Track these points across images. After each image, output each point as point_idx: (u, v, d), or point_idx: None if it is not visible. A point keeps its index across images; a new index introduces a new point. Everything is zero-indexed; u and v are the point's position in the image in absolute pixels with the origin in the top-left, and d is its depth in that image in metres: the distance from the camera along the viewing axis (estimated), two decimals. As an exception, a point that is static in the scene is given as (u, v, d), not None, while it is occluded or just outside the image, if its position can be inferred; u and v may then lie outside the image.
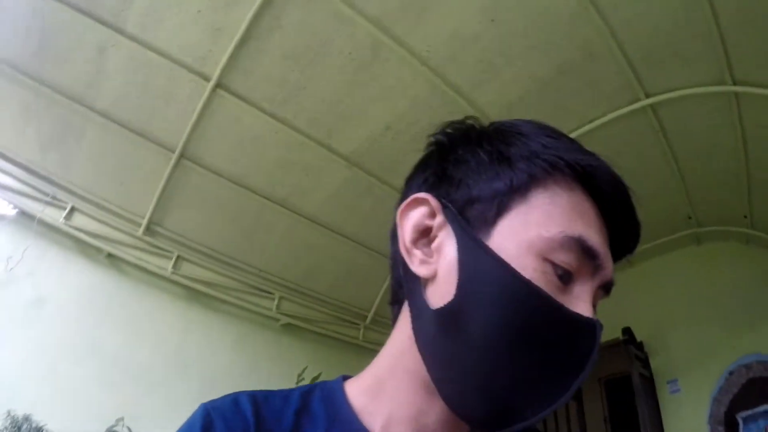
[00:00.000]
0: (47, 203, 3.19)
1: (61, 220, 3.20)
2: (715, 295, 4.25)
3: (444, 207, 0.53)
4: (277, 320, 3.95)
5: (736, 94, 2.92)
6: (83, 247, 3.29)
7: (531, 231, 0.50)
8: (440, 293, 0.52)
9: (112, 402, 3.03)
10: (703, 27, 2.64)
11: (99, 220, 3.36)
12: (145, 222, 3.48)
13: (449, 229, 0.53)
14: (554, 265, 0.50)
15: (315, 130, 3.43)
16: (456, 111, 3.16)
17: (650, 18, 2.73)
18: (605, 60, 2.96)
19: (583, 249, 0.50)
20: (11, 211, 3.17)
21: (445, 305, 0.51)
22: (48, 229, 3.20)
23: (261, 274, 3.97)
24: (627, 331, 4.27)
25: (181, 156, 3.37)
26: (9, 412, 2.68)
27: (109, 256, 3.36)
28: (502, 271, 0.49)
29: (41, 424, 2.67)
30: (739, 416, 3.83)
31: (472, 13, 2.80)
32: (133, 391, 3.15)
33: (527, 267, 0.49)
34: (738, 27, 2.62)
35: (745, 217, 3.94)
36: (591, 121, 3.34)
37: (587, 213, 0.53)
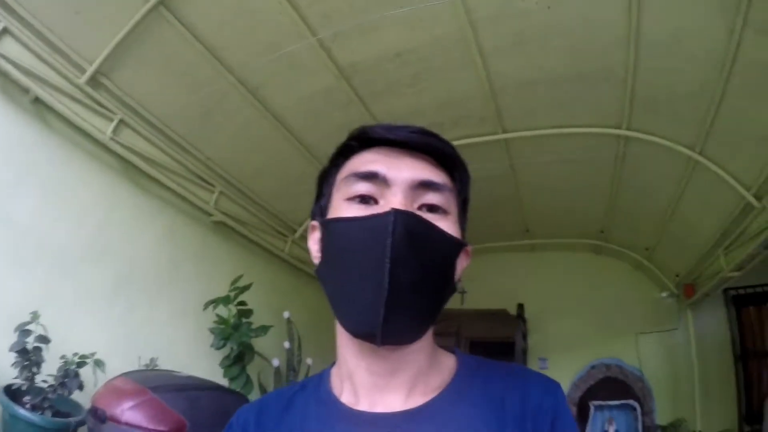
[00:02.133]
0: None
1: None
2: (599, 300, 5.06)
3: (318, 220, 0.72)
4: (211, 215, 3.53)
5: (697, 162, 3.42)
6: (6, 82, 2.45)
7: (339, 191, 0.69)
8: (320, 261, 0.70)
9: (18, 287, 2.47)
10: (705, 105, 3.03)
11: (34, 53, 2.53)
12: (91, 69, 2.73)
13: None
14: (353, 198, 0.66)
15: (323, 26, 2.97)
16: (466, 67, 3.15)
17: (672, 75, 3.02)
18: (616, 86, 3.20)
19: (361, 176, 0.66)
20: None
21: (318, 264, 0.70)
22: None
23: (206, 162, 3.47)
24: (520, 306, 4.87)
25: (161, 2, 2.65)
26: None
27: (37, 101, 2.57)
28: (328, 222, 0.68)
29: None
30: (592, 404, 4.81)
31: None
32: (42, 275, 2.60)
33: (341, 210, 0.66)
34: (730, 121, 3.05)
35: (647, 249, 4.77)
36: (574, 126, 3.59)
37: (368, 158, 0.68)
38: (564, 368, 4.93)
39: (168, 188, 3.25)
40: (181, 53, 2.91)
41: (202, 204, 3.45)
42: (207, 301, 3.27)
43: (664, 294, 4.75)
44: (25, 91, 2.53)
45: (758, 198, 3.25)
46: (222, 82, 3.12)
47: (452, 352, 0.76)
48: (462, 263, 0.70)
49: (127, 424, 1.94)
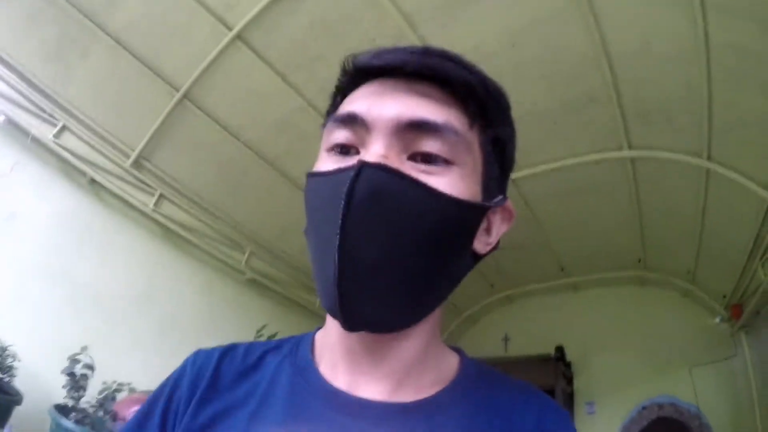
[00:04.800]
0: (39, 117, 3.20)
1: (51, 136, 3.23)
2: (646, 335, 4.88)
3: None
4: (244, 274, 4.15)
5: (708, 170, 3.36)
6: (67, 168, 3.34)
7: (323, 140, 0.60)
8: None
9: (76, 329, 3.16)
10: (697, 105, 3.02)
11: (88, 144, 3.41)
12: (134, 154, 3.56)
13: None
14: (332, 148, 0.57)
15: (320, 100, 3.57)
16: None
17: (656, 83, 3.10)
18: (603, 106, 3.31)
19: (340, 120, 0.56)
20: (-1, 118, 3.17)
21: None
22: (35, 143, 3.22)
23: (237, 227, 4.15)
24: (559, 349, 4.76)
25: (185, 96, 3.45)
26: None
27: (93, 182, 3.43)
28: (307, 178, 0.59)
29: (4, 345, 2.75)
30: None
31: (496, 33, 3.04)
32: (97, 321, 3.31)
33: (319, 163, 0.59)
34: (727, 116, 3.02)
35: (689, 272, 4.57)
36: (576, 156, 3.72)
37: (354, 97, 0.59)
38: (612, 411, 4.70)
39: (204, 250, 3.94)
40: (206, 136, 3.67)
41: (234, 263, 4.11)
42: (237, 348, 3.74)
43: (716, 319, 4.45)
44: (83, 173, 3.38)
45: None
46: (243, 157, 3.82)
47: (457, 352, 0.67)
48: (497, 228, 0.61)
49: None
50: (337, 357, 0.60)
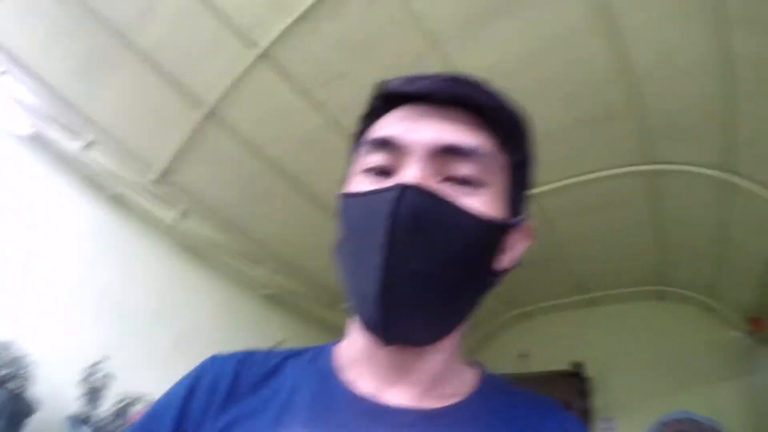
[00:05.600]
0: (68, 130, 3.27)
1: (78, 150, 3.30)
2: (666, 350, 4.89)
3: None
4: (264, 289, 4.21)
5: (730, 183, 3.40)
6: (94, 181, 3.44)
7: (357, 161, 0.65)
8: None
9: (95, 339, 3.22)
10: (720, 118, 3.07)
11: (115, 158, 3.48)
12: (160, 169, 3.63)
13: None
14: (369, 170, 0.61)
15: (345, 117, 3.64)
16: None
17: (677, 97, 3.14)
18: (623, 122, 3.37)
19: (376, 144, 0.60)
20: (27, 130, 3.23)
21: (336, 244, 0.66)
22: (61, 156, 3.28)
23: (258, 243, 4.19)
24: (577, 365, 4.74)
25: (210, 113, 3.51)
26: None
27: (118, 195, 3.51)
28: (341, 198, 0.64)
29: (24, 353, 2.75)
30: None
31: (516, 51, 3.11)
32: (117, 332, 3.37)
33: (354, 183, 0.62)
34: (750, 128, 3.06)
35: (708, 287, 4.62)
36: (593, 172, 3.78)
37: (387, 121, 0.63)
38: (632, 427, 4.60)
39: (225, 264, 3.99)
40: (231, 152, 3.75)
41: (254, 279, 4.14)
42: (256, 363, 3.77)
43: (737, 334, 4.46)
44: (109, 187, 3.45)
45: None
46: (267, 173, 3.88)
47: (477, 367, 0.70)
48: (519, 245, 0.64)
49: None
50: (362, 368, 0.63)
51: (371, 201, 0.57)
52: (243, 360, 0.68)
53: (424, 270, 0.54)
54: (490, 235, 0.58)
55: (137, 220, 3.65)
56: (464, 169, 0.58)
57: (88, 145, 3.38)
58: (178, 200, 3.78)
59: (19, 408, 2.59)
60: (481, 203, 0.57)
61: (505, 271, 0.64)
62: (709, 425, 4.39)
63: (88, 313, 3.26)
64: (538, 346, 5.46)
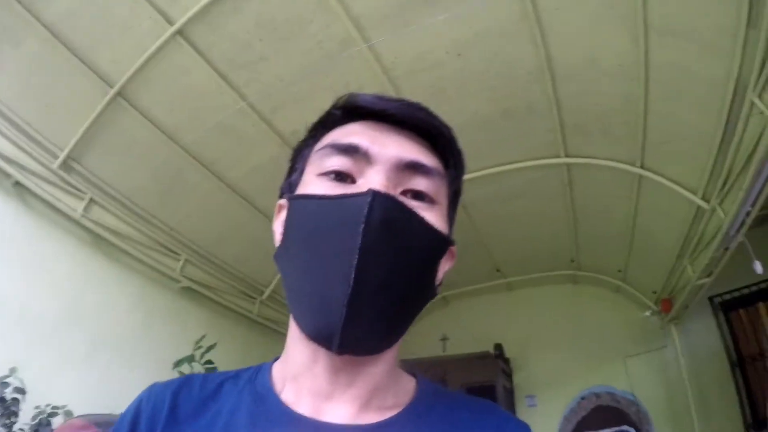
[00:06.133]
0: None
1: (-30, 134, 3.01)
2: (580, 330, 5.24)
3: (286, 197, 0.66)
4: (178, 282, 4.05)
5: (641, 177, 3.70)
6: (-13, 170, 3.14)
7: (313, 164, 0.64)
8: (279, 243, 0.65)
9: (1, 349, 2.95)
10: (634, 118, 3.33)
11: (13, 143, 3.24)
12: (63, 155, 3.41)
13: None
14: (327, 173, 0.61)
15: (262, 103, 3.60)
16: None
17: (596, 96, 3.37)
18: (543, 117, 3.57)
19: (340, 148, 0.61)
20: None
21: (278, 247, 0.65)
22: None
23: (171, 233, 4.06)
24: (498, 346, 5.04)
25: (119, 94, 3.35)
26: None
27: (17, 184, 3.24)
28: (294, 200, 0.63)
29: None
30: None
31: (444, 42, 3.20)
32: (23, 338, 3.12)
33: (312, 186, 0.62)
34: (661, 128, 3.34)
35: (620, 271, 5.02)
36: (513, 162, 3.98)
37: (351, 129, 0.64)
38: (553, 403, 5.04)
39: (137, 258, 3.81)
40: (141, 136, 3.58)
41: (169, 271, 4.01)
42: (175, 361, 3.63)
43: (647, 313, 4.88)
44: (7, 175, 3.16)
45: (706, 200, 3.41)
46: (179, 160, 3.75)
47: (413, 375, 0.70)
48: (445, 265, 0.66)
49: None
50: (301, 385, 0.62)
51: (341, 205, 0.57)
52: (179, 387, 0.66)
53: (391, 276, 0.56)
54: (441, 248, 0.62)
55: (40, 212, 3.38)
56: (421, 184, 0.61)
57: (-19, 128, 3.10)
58: (85, 189, 3.55)
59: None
60: (433, 218, 0.60)
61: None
62: (625, 398, 4.88)
63: (-12, 321, 2.99)
64: (457, 330, 5.67)
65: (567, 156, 3.84)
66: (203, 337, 3.75)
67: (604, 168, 3.78)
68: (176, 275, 4.03)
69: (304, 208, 0.61)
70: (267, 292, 4.72)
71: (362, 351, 0.58)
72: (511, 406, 5.06)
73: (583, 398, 5.00)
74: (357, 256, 0.52)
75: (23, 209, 3.29)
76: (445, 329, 5.75)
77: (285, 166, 1.84)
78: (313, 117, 2.10)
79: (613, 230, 4.44)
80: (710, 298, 4.44)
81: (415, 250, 0.58)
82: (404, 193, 0.60)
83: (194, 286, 4.15)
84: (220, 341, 3.83)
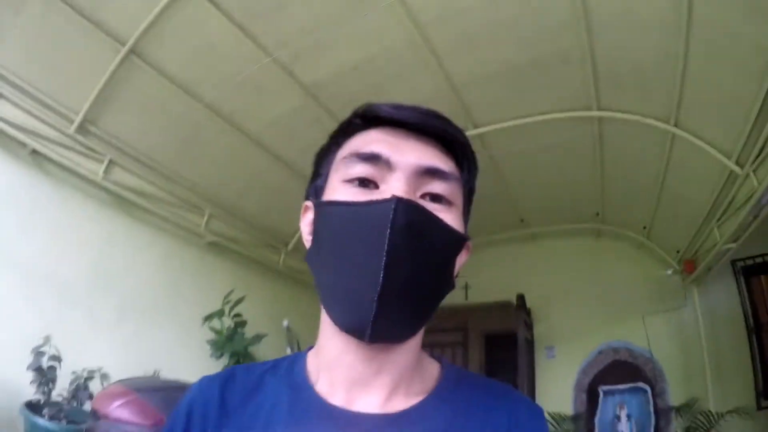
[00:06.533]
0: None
1: (-20, 107, 2.89)
2: (601, 284, 5.22)
3: (312, 200, 0.72)
4: (203, 237, 4.05)
5: (674, 135, 3.56)
6: (4, 140, 3.05)
7: (338, 171, 0.68)
8: (310, 245, 0.71)
9: (31, 318, 3.01)
10: (671, 75, 3.15)
11: (26, 111, 3.11)
12: (78, 119, 3.28)
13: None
14: (351, 180, 0.65)
15: (281, 52, 3.41)
16: (423, 69, 3.44)
17: (632, 50, 3.18)
18: (576, 68, 3.39)
19: (363, 157, 0.65)
20: None
21: (309, 249, 0.70)
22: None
23: (193, 189, 3.99)
24: (521, 297, 5.06)
25: (131, 51, 3.17)
26: None
27: (34, 153, 3.16)
28: (324, 205, 0.67)
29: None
30: (601, 389, 4.98)
31: None
32: (53, 305, 3.16)
33: (338, 192, 0.66)
34: (698, 88, 3.17)
35: (644, 228, 4.92)
36: (543, 114, 3.81)
37: (372, 137, 0.68)
38: (571, 355, 5.15)
39: (161, 217, 3.79)
40: (157, 93, 3.43)
41: (193, 227, 4.00)
42: (204, 316, 3.71)
43: (668, 272, 4.85)
44: (23, 145, 3.07)
45: (740, 165, 3.29)
46: (197, 114, 3.61)
47: (438, 360, 0.76)
48: (461, 259, 0.71)
49: (115, 419, 2.38)
50: (335, 375, 0.68)
51: (367, 210, 0.61)
52: (225, 381, 0.73)
53: (414, 274, 0.61)
54: (458, 246, 0.67)
55: (60, 178, 3.31)
56: (439, 188, 0.65)
57: (-7, 100, 2.98)
58: (103, 151, 3.45)
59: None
60: (450, 219, 0.65)
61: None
62: (642, 354, 4.94)
63: (18, 289, 3.00)
64: (479, 278, 5.70)
65: (599, 109, 3.67)
66: (231, 291, 3.80)
67: (636, 124, 3.62)
68: (201, 231, 4.01)
69: (333, 214, 0.65)
70: (292, 243, 4.71)
71: (391, 339, 0.64)
72: (531, 356, 5.18)
73: (600, 352, 5.09)
74: (385, 257, 0.58)
75: (43, 177, 3.21)
76: (467, 277, 5.69)
77: (308, 117, 2.79)
78: (334, 67, 2.92)
79: (640, 187, 4.33)
80: (733, 262, 4.36)
81: (434, 249, 0.63)
82: (423, 196, 0.65)
83: (220, 241, 4.14)
84: (248, 294, 3.89)
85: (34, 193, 3.17)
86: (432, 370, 0.73)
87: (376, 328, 0.59)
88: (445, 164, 0.67)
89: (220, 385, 0.72)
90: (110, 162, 3.46)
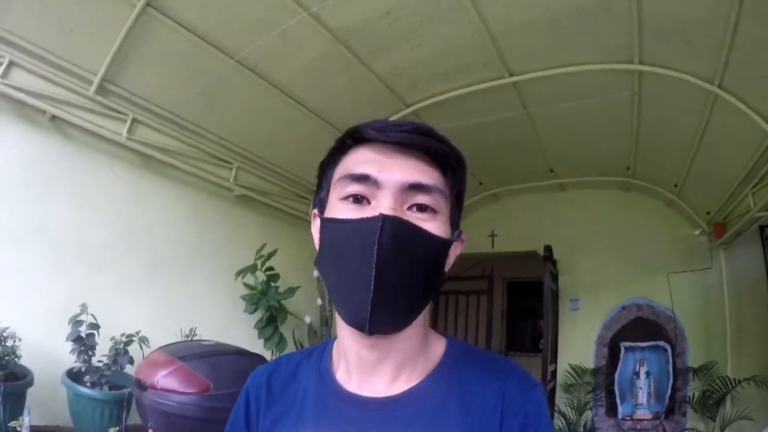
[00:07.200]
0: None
1: (-5, 75, 2.73)
2: (628, 239, 5.16)
3: (317, 211, 0.83)
4: (232, 191, 3.97)
5: (717, 96, 3.36)
6: (23, 108, 2.91)
7: (335, 190, 0.78)
8: (318, 252, 0.81)
9: (64, 286, 3.03)
10: (719, 32, 2.93)
11: (42, 77, 2.95)
12: (97, 79, 3.10)
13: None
14: (347, 197, 0.75)
15: (308, -4, 3.12)
16: (460, 14, 3.20)
17: (680, 3, 2.91)
18: (620, 18, 3.14)
19: (353, 178, 0.74)
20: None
21: (317, 255, 0.80)
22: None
23: (220, 142, 3.85)
24: (548, 248, 4.99)
25: (148, 4, 2.92)
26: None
27: (54, 118, 3.02)
28: (325, 221, 0.77)
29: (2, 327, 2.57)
30: (622, 344, 5.00)
31: None
32: (87, 270, 3.16)
33: (336, 210, 0.76)
34: (746, 49, 2.94)
35: (676, 185, 4.75)
36: (581, 64, 3.58)
37: (362, 157, 0.76)
38: (595, 309, 5.18)
39: (188, 172, 3.70)
40: (177, 46, 3.21)
41: (222, 181, 3.90)
42: (236, 272, 3.73)
43: (696, 232, 4.77)
44: (42, 111, 2.95)
45: None
46: (221, 66, 3.40)
47: (445, 336, 0.87)
48: (456, 250, 0.81)
49: (162, 389, 2.42)
50: (350, 363, 0.81)
51: (358, 227, 0.71)
52: (272, 372, 0.90)
53: (402, 279, 0.71)
54: (444, 250, 0.76)
55: (83, 142, 3.19)
56: (423, 199, 0.74)
57: (9, 67, 2.80)
58: (125, 110, 3.30)
59: (16, 387, 2.53)
60: (436, 227, 0.74)
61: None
62: (665, 313, 4.91)
63: (49, 258, 3.00)
64: (506, 227, 5.62)
65: (641, 63, 3.44)
66: (263, 246, 3.79)
67: (678, 81, 3.40)
68: (229, 184, 3.91)
69: (332, 229, 0.76)
70: (321, 193, 4.55)
71: (387, 331, 0.75)
72: (555, 308, 5.18)
73: (623, 308, 5.09)
74: (374, 269, 0.67)
75: (65, 141, 3.11)
76: (494, 225, 5.69)
77: (338, 64, 2.92)
78: (365, 12, 2.88)
79: (676, 144, 4.15)
80: (761, 228, 4.29)
81: (419, 256, 0.72)
82: (410, 207, 0.74)
83: (249, 193, 4.05)
84: (279, 246, 3.88)
85: (57, 160, 3.08)
86: (438, 348, 0.84)
87: (372, 324, 0.70)
88: (429, 177, 0.75)
89: (267, 375, 0.89)
90: (133, 121, 3.32)
